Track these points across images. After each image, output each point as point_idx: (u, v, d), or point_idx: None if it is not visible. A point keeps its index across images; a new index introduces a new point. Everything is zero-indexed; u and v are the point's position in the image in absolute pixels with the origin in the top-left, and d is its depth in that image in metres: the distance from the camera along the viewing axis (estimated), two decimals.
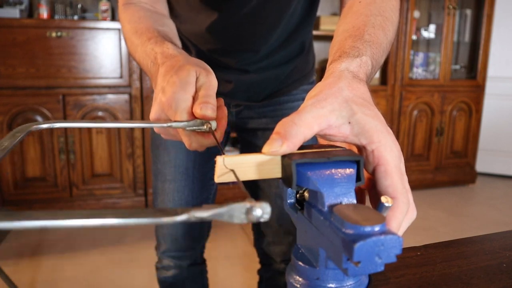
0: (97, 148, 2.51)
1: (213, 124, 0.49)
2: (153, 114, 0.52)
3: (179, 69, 0.51)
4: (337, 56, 0.46)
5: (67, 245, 2.25)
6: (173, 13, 0.82)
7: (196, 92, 0.50)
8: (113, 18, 2.67)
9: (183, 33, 0.85)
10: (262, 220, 0.24)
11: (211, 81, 0.51)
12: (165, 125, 0.48)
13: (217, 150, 0.52)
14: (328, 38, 2.93)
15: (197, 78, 0.51)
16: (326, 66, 0.46)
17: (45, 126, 0.40)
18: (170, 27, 0.72)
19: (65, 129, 2.42)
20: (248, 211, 0.24)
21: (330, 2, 3.19)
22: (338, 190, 0.33)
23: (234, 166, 0.34)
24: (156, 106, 0.51)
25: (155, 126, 0.49)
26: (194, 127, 0.48)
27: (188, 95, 0.49)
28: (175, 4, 0.81)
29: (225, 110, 0.52)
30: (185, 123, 0.48)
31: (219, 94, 0.53)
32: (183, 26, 0.84)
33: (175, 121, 0.48)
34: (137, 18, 0.68)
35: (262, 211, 0.24)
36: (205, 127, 0.48)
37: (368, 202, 0.39)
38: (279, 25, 0.81)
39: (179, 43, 0.70)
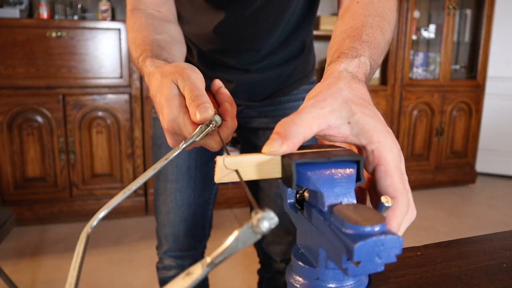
0: (97, 148, 2.51)
1: (217, 119, 0.46)
2: (169, 141, 0.51)
3: (160, 87, 0.50)
4: (335, 56, 0.46)
5: (67, 245, 2.25)
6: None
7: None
8: (113, 18, 2.67)
9: (185, 34, 0.85)
10: (273, 227, 0.23)
11: (190, 80, 0.48)
12: (178, 151, 0.46)
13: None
14: (328, 38, 2.93)
15: (178, 86, 0.49)
16: (325, 67, 0.46)
17: (95, 223, 0.41)
18: (171, 33, 0.70)
19: (65, 129, 2.42)
20: (255, 228, 0.23)
21: (330, 2, 3.19)
22: (338, 190, 0.33)
23: (234, 166, 0.34)
24: (166, 134, 0.51)
25: (173, 155, 0.46)
26: (203, 134, 0.45)
27: (179, 109, 0.47)
28: (177, 6, 0.81)
29: (224, 91, 0.50)
30: (193, 138, 0.45)
31: None
32: (185, 27, 0.83)
33: (184, 140, 0.46)
34: (138, 26, 0.67)
35: (267, 220, 0.23)
36: (209, 128, 0.45)
37: (368, 202, 0.39)
38: (279, 24, 0.81)
39: (180, 48, 0.68)
